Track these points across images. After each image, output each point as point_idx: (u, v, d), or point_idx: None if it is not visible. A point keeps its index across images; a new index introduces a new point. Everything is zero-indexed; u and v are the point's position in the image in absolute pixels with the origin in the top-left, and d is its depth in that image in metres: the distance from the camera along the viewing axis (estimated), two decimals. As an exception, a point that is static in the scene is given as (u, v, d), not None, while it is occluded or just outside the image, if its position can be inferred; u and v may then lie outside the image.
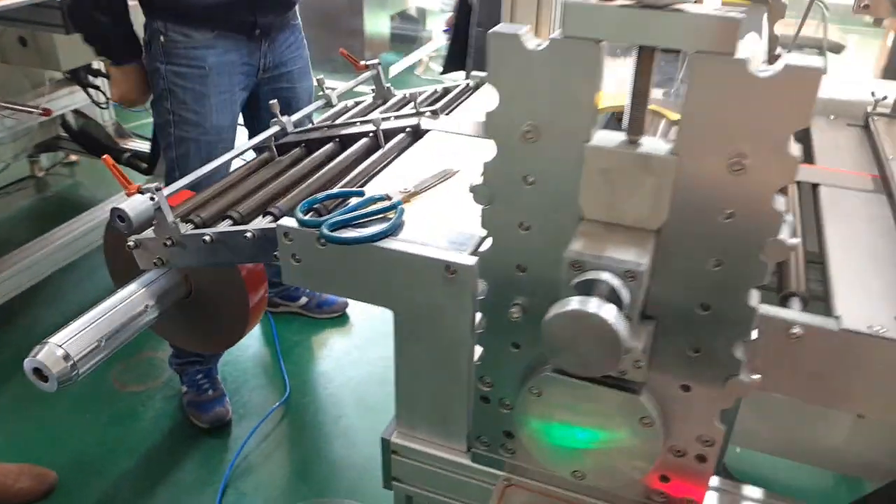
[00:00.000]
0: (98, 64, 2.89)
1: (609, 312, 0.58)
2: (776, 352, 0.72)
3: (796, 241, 0.65)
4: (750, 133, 0.60)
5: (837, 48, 3.54)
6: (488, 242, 0.76)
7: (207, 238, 0.94)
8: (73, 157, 3.69)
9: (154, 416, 2.26)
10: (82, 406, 2.27)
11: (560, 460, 0.82)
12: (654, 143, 0.66)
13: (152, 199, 0.93)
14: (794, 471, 1.93)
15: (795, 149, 0.61)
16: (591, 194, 0.68)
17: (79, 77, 2.93)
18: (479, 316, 0.82)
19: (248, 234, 0.91)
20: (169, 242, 0.96)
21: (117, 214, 0.91)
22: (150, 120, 2.11)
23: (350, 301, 2.77)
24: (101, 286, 2.86)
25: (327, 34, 5.07)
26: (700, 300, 0.69)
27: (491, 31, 0.64)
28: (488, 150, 0.71)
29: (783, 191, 0.63)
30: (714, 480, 0.89)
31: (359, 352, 2.55)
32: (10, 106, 2.53)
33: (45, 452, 2.11)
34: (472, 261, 0.79)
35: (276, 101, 1.23)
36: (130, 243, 0.99)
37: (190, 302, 1.22)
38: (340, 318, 2.72)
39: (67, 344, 1.02)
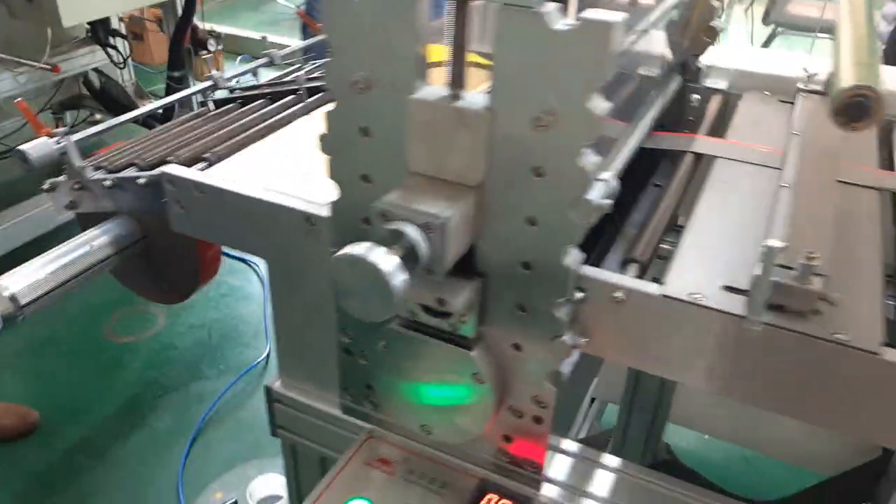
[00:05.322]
0: (116, 23, 2.97)
1: (378, 256, 0.59)
2: (602, 315, 0.72)
3: (607, 202, 0.65)
4: (554, 88, 0.60)
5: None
6: (336, 193, 0.77)
7: (108, 183, 0.98)
8: (98, 116, 3.81)
9: (139, 366, 2.36)
10: (74, 356, 2.38)
11: (409, 414, 0.83)
12: (474, 98, 0.66)
13: (58, 142, 0.97)
14: (744, 462, 1.91)
15: (600, 105, 0.60)
16: (415, 148, 0.68)
17: (97, 36, 3.02)
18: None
19: (141, 181, 0.94)
20: (77, 186, 1.00)
21: (20, 156, 0.95)
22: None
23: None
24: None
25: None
26: (521, 259, 0.69)
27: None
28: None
29: (594, 149, 0.63)
30: (573, 446, 0.89)
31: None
32: (22, 62, 2.63)
33: (33, 397, 2.23)
34: (328, 212, 0.81)
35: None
36: (45, 185, 1.03)
37: (146, 251, 1.26)
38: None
39: (8, 281, 1.07)
